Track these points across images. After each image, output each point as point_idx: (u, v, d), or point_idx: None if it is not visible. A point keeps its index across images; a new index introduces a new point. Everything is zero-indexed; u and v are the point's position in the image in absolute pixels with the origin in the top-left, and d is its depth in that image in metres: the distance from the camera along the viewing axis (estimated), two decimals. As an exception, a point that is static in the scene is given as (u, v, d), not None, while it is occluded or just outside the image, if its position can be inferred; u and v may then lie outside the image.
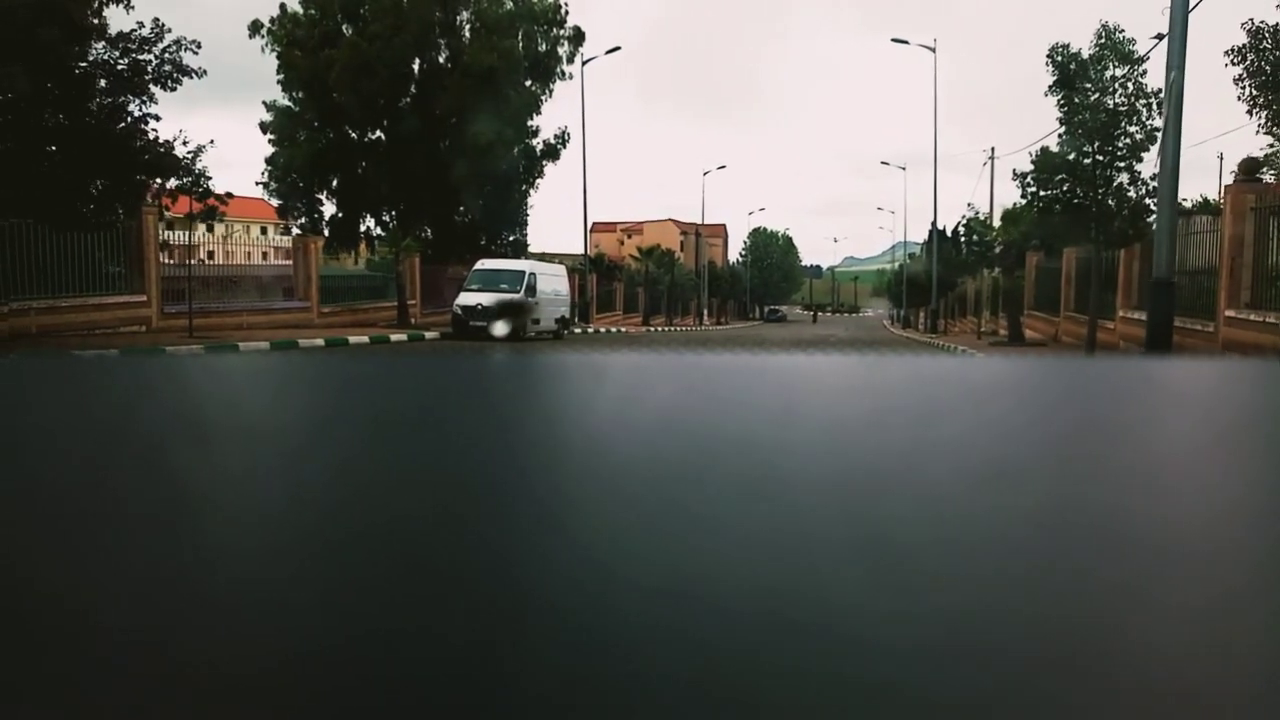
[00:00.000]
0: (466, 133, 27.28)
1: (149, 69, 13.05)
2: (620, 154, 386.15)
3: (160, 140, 13.83)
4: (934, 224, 33.22)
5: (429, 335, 21.78)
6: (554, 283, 24.32)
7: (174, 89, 13.35)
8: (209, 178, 15.16)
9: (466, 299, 22.06)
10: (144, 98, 13.19)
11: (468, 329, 21.58)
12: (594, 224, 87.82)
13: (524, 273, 22.78)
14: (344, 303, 23.38)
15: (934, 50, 31.95)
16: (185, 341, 15.16)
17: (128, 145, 13.04)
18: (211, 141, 14.28)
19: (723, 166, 63.10)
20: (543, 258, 32.01)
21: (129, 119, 13.25)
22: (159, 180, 14.56)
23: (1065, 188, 14.41)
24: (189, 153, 14.05)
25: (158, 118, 13.72)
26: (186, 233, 16.37)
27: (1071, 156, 14.35)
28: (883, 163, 65.35)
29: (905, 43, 31.56)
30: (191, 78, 13.45)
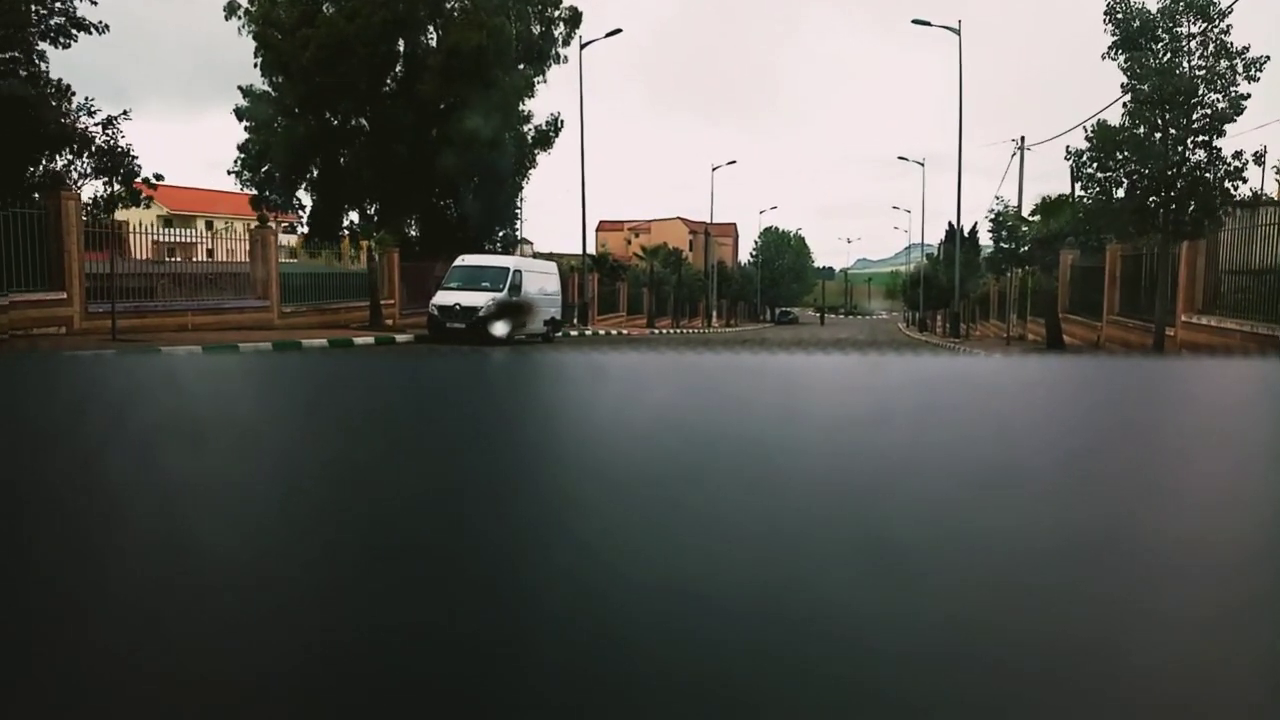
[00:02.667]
0: (451, 118, 25.25)
1: (35, 20, 10.98)
2: (631, 154, 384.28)
3: (63, 108, 11.70)
4: (958, 216, 30.90)
5: (401, 338, 19.69)
6: (542, 281, 22.19)
7: (67, 46, 11.27)
8: (133, 156, 13.03)
9: (443, 298, 19.96)
10: (31, 55, 11.09)
11: (445, 331, 19.50)
12: (600, 222, 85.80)
13: (508, 270, 20.67)
14: (311, 301, 21.26)
15: (958, 32, 29.70)
16: (104, 345, 13.17)
17: (10, 114, 10.90)
18: (125, 112, 12.16)
19: (732, 162, 60.74)
20: (550, 257, 30.14)
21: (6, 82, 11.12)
22: (55, 156, 12.36)
23: (1130, 168, 12.13)
24: (96, 125, 11.94)
25: (48, 78, 11.57)
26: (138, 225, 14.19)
27: (1141, 130, 12.06)
28: (900, 157, 63.03)
29: (927, 24, 29.30)
30: (90, 33, 11.39)
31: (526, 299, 20.70)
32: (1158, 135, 12.01)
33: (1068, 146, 12.47)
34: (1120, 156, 12.18)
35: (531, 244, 76.22)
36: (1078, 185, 12.53)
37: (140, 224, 19.14)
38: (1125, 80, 12.18)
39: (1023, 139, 29.93)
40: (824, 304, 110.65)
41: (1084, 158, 12.35)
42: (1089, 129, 12.54)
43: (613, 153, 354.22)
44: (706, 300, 58.23)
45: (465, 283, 20.37)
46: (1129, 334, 17.92)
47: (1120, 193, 12.42)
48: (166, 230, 19.04)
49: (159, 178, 14.06)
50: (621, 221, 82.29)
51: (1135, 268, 18.01)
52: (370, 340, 18.30)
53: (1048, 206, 17.86)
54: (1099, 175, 12.44)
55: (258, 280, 19.37)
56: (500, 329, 20.26)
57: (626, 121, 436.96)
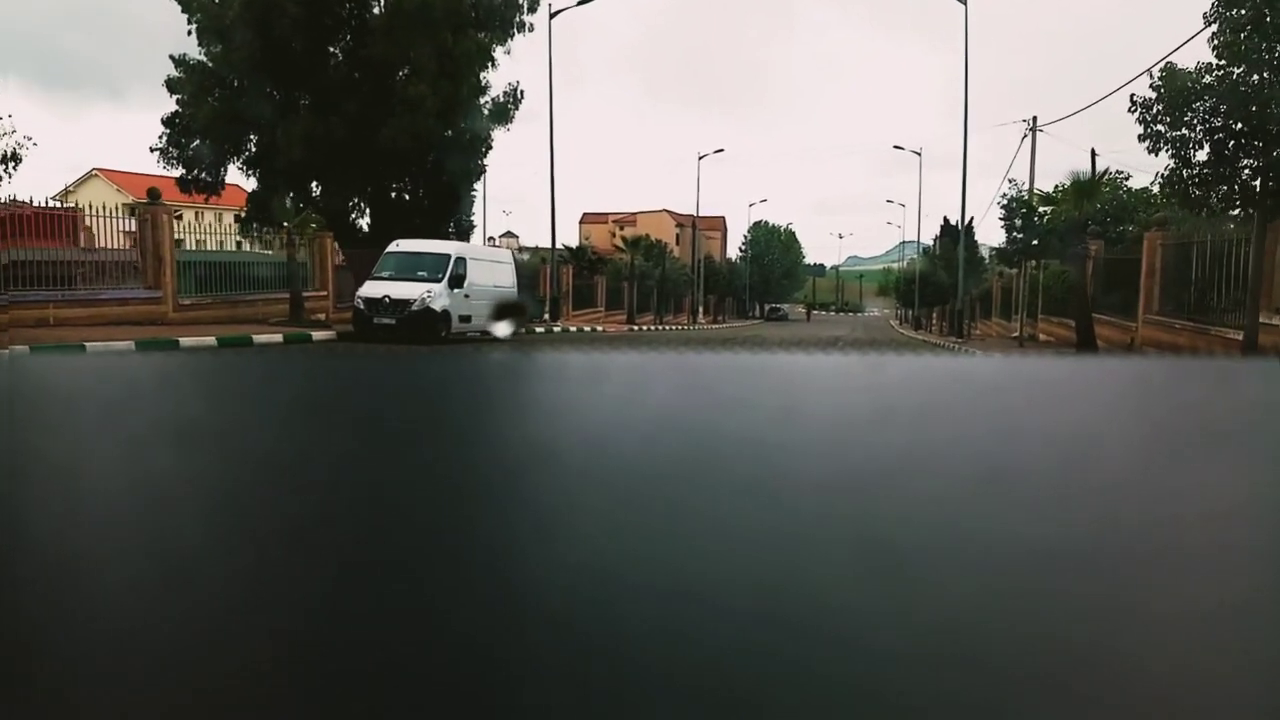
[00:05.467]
0: (394, 86, 22.37)
1: None
2: (623, 148, 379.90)
3: None
4: (963, 204, 28.16)
5: (320, 336, 16.77)
6: (493, 272, 19.27)
7: None
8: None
9: (371, 289, 17.06)
10: None
11: (372, 328, 16.63)
12: (584, 214, 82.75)
13: (448, 257, 17.75)
14: (221, 292, 18.35)
15: (964, 2, 26.94)
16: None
17: None
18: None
19: (720, 150, 57.83)
20: (535, 250, 27.70)
21: None
22: None
23: (1216, 122, 9.23)
24: None
25: None
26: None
27: (1236, 72, 9.11)
28: (895, 147, 60.22)
29: (931, -8, 26.48)
30: None
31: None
32: (1255, 77, 9.12)
33: (1132, 96, 9.62)
34: (1201, 107, 9.28)
35: (517, 237, 73.75)
36: (1144, 145, 9.73)
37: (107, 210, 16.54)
38: (1211, 7, 9.31)
39: (1034, 119, 27.18)
40: (813, 300, 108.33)
41: (1153, 111, 9.45)
42: (1156, 75, 9.67)
43: (605, 146, 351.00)
44: (693, 296, 55.62)
45: (399, 271, 17.49)
46: (1176, 336, 15.13)
47: (1202, 155, 9.53)
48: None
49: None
50: (606, 214, 79.27)
51: (1182, 258, 15.24)
52: (278, 338, 15.40)
53: (1080, 187, 15.05)
54: (1170, 134, 9.54)
55: (148, 266, 16.43)
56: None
57: (619, 113, 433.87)
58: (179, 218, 27.90)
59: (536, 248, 41.27)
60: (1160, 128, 9.53)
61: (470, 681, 0.29)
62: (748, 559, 0.40)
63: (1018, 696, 0.29)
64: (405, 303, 16.64)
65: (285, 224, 18.36)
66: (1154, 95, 9.58)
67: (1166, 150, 9.65)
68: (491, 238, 74.76)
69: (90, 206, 16.61)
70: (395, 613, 0.34)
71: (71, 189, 49.52)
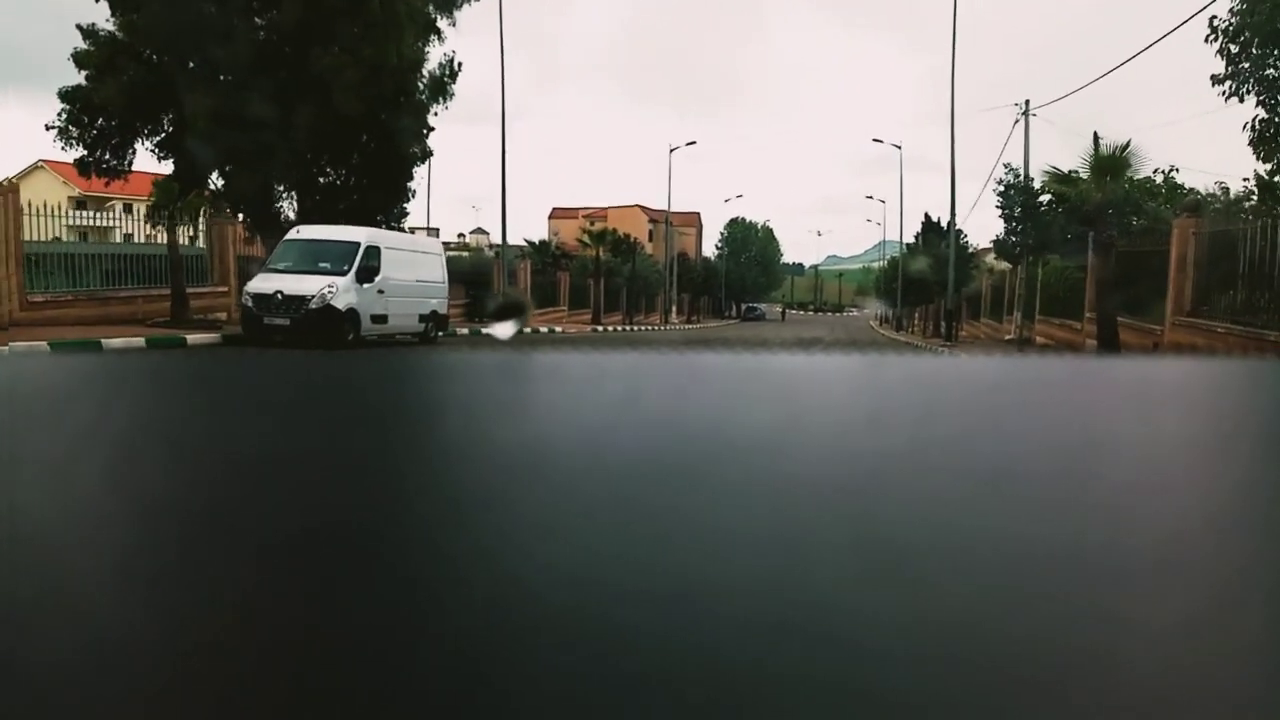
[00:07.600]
0: (310, 54, 19.69)
1: None
2: (598, 146, 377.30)
3: None
4: (952, 195, 25.69)
5: (196, 339, 14.04)
6: (415, 265, 16.61)
7: None
8: None
9: (262, 284, 14.35)
10: None
11: (261, 329, 13.96)
12: (554, 209, 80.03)
13: (357, 245, 15.05)
14: (91, 288, 15.62)
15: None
16: None
17: None
18: None
19: (692, 142, 55.27)
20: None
21: None
22: None
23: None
24: None
25: None
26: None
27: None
28: (874, 139, 57.98)
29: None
30: None
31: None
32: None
33: (1212, 20, 7.15)
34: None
35: (488, 234, 70.94)
36: (1220, 90, 7.29)
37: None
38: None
39: (1027, 103, 24.84)
40: (791, 299, 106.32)
41: (1242, 35, 6.94)
42: (1234, 9, 7.17)
43: (581, 143, 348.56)
44: (665, 294, 53.09)
45: (298, 263, 14.77)
46: (1214, 341, 12.69)
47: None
48: None
49: None
50: (576, 209, 76.53)
51: (1224, 251, 12.81)
52: (139, 342, 12.72)
53: (1103, 163, 12.66)
54: (1260, 73, 7.05)
55: (-11, 257, 13.68)
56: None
57: (596, 110, 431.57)
58: (128, 210, 25.30)
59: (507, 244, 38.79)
60: (1246, 64, 7.04)
61: (467, 685, 0.29)
62: (746, 560, 0.40)
63: (1017, 697, 0.29)
64: (302, 299, 13.99)
65: (171, 204, 15.65)
66: (1231, 20, 7.11)
67: (1253, 93, 7.16)
68: (462, 234, 72.16)
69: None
70: (392, 615, 0.34)
71: (14, 180, 46.48)
